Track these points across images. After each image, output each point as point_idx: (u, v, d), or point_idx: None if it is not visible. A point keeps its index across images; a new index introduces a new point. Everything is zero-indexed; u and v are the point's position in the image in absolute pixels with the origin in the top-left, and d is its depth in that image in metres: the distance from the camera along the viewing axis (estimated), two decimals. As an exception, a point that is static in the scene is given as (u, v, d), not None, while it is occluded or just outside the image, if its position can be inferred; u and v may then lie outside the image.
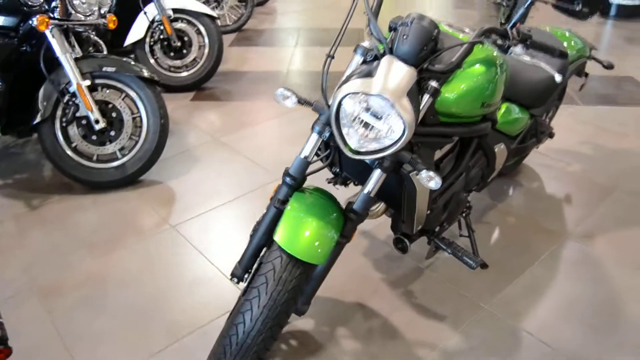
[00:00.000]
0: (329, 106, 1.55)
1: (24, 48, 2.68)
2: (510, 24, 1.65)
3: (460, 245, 2.01)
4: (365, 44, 1.59)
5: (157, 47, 3.97)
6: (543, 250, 2.39)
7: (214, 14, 3.98)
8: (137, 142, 2.86)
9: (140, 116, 2.84)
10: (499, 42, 1.58)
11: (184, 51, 4.00)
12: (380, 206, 2.03)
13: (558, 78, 1.68)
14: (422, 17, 1.49)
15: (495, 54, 1.74)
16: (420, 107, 1.52)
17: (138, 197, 2.81)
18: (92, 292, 2.18)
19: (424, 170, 1.55)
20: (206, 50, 3.99)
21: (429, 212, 1.85)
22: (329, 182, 1.93)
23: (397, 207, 1.84)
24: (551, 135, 2.74)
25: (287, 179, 1.63)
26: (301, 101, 1.61)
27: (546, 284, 2.20)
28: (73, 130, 2.79)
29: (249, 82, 4.25)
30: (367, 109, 1.45)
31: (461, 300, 2.14)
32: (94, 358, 1.89)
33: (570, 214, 2.62)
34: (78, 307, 2.11)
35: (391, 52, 1.49)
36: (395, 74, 1.44)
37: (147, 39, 3.92)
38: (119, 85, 2.77)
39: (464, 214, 2.25)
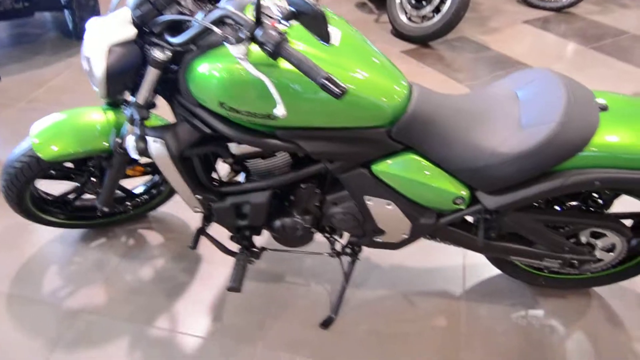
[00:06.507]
0: None
1: None
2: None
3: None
4: None
5: None
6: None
7: None
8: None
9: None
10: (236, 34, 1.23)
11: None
12: None
13: (279, 112, 1.21)
14: None
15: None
16: (148, 77, 1.43)
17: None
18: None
19: (131, 135, 1.48)
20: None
21: (199, 197, 1.65)
22: None
23: None
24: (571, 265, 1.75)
25: None
26: None
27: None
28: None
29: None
30: None
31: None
32: None
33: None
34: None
35: None
36: (110, 21, 1.40)
37: None
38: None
39: (335, 255, 1.83)
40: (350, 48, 1.42)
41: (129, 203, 2.18)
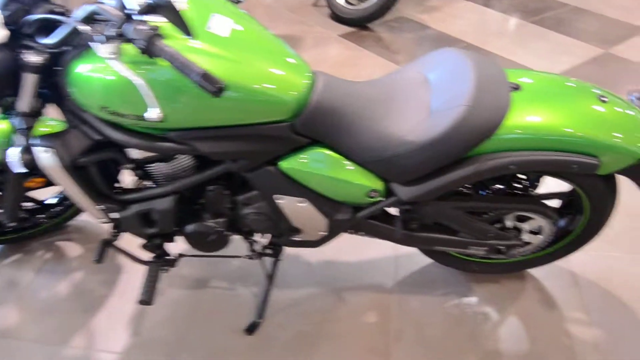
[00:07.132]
0: None
1: None
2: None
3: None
4: None
5: None
6: None
7: None
8: None
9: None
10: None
11: None
12: None
13: (152, 114, 1.11)
14: None
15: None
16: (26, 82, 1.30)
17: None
18: None
19: (14, 147, 1.35)
20: None
21: (101, 207, 1.54)
22: None
23: None
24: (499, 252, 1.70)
25: None
26: None
27: None
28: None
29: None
30: None
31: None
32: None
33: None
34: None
35: None
36: None
37: None
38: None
39: (256, 256, 1.74)
40: (242, 39, 1.32)
41: (42, 215, 2.05)
